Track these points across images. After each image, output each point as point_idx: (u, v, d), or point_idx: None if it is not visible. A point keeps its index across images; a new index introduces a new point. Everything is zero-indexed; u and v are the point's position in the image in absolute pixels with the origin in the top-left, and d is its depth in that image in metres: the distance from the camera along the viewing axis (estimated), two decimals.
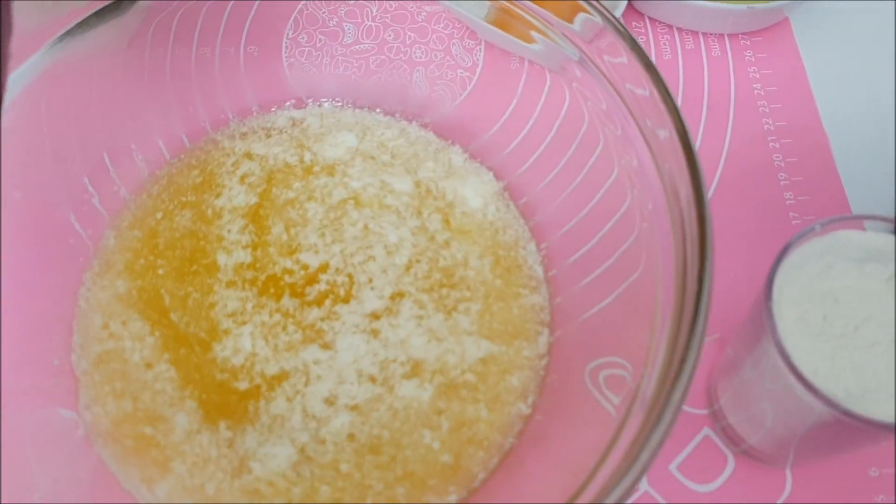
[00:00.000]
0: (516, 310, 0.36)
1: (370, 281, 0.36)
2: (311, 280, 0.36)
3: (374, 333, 0.35)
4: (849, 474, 0.35)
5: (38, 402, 0.34)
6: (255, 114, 0.41)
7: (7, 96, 0.34)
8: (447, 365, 0.35)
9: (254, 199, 0.38)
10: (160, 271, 0.37)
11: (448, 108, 0.41)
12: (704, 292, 0.27)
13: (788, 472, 0.35)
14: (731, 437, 0.35)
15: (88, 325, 0.36)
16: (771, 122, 0.43)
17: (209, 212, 0.38)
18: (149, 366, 0.35)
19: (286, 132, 0.41)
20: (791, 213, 0.40)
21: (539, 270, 0.37)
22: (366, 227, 0.38)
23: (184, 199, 0.39)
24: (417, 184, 0.39)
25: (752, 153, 0.42)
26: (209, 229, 0.38)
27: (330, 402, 0.34)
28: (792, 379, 0.27)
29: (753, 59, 0.45)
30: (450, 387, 0.34)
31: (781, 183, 0.41)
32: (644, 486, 0.36)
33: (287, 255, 0.37)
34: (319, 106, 0.41)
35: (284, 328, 0.35)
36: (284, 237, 0.37)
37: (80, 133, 0.38)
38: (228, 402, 0.34)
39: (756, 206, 0.41)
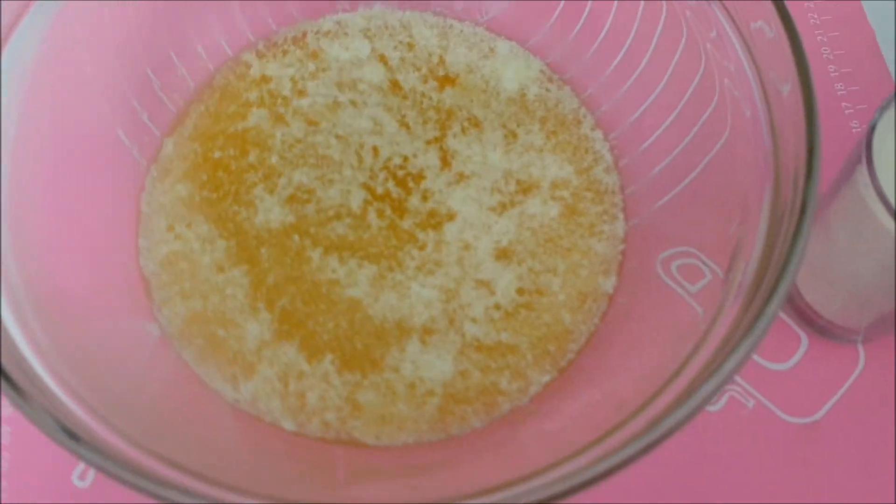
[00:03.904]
0: (587, 162, 0.37)
1: (404, 158, 0.36)
2: (383, 198, 0.36)
3: (462, 177, 0.36)
4: None
5: (112, 306, 0.33)
6: (301, 19, 0.40)
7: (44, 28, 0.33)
8: (533, 177, 0.36)
9: (291, 217, 0.36)
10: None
11: (500, 5, 0.40)
12: (815, 165, 0.26)
13: (861, 348, 0.36)
14: (805, 316, 0.36)
15: (153, 229, 0.35)
16: (817, 16, 0.43)
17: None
18: (220, 269, 0.34)
19: (312, 42, 0.40)
20: (843, 104, 0.41)
21: (608, 157, 0.37)
22: (337, 136, 0.37)
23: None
24: (388, 68, 0.39)
25: None
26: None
27: (497, 255, 0.34)
28: (892, 225, 0.27)
29: None
30: (563, 204, 0.36)
31: (832, 75, 0.41)
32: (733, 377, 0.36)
33: (368, 230, 0.35)
34: (370, 8, 0.40)
35: (420, 246, 0.35)
36: (328, 235, 0.35)
37: (121, 48, 0.36)
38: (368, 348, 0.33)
39: None
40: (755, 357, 0.36)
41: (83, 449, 0.24)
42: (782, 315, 0.37)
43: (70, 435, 0.25)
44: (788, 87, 0.28)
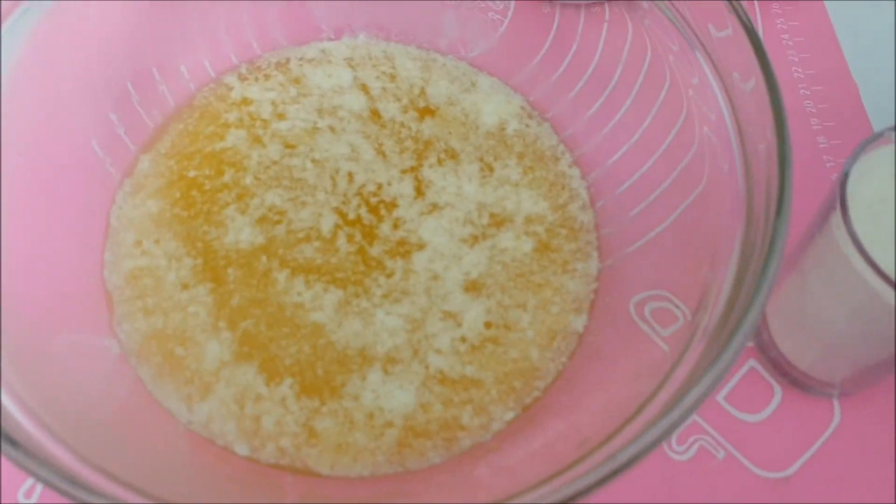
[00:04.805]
0: (563, 199, 0.36)
1: (378, 185, 0.36)
2: (354, 223, 0.35)
3: (435, 208, 0.35)
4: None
5: (74, 319, 0.33)
6: (285, 45, 0.40)
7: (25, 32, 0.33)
8: (507, 210, 0.36)
9: (261, 238, 0.35)
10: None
11: (485, 43, 0.40)
12: (783, 219, 0.26)
13: (836, 403, 0.35)
14: (779, 367, 0.35)
15: (120, 243, 0.34)
16: (801, 70, 0.43)
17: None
18: (185, 287, 0.34)
19: (295, 68, 0.40)
20: (825, 157, 0.41)
21: (584, 195, 0.37)
22: (313, 160, 0.37)
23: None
24: (370, 97, 0.39)
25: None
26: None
27: (466, 287, 0.34)
28: (868, 272, 0.27)
29: (780, 11, 0.45)
30: (536, 240, 0.35)
31: (814, 128, 0.41)
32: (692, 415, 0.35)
33: (333, 252, 0.35)
34: (354, 38, 0.40)
35: (388, 274, 0.34)
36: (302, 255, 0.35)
37: (103, 60, 0.36)
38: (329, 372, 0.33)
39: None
40: (726, 405, 0.35)
41: (22, 456, 0.24)
42: (756, 365, 0.36)
43: (10, 442, 0.24)
44: (764, 143, 0.29)
